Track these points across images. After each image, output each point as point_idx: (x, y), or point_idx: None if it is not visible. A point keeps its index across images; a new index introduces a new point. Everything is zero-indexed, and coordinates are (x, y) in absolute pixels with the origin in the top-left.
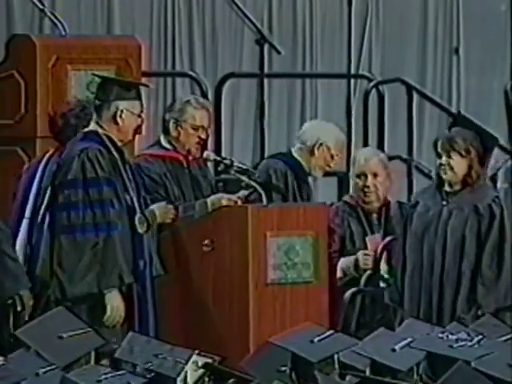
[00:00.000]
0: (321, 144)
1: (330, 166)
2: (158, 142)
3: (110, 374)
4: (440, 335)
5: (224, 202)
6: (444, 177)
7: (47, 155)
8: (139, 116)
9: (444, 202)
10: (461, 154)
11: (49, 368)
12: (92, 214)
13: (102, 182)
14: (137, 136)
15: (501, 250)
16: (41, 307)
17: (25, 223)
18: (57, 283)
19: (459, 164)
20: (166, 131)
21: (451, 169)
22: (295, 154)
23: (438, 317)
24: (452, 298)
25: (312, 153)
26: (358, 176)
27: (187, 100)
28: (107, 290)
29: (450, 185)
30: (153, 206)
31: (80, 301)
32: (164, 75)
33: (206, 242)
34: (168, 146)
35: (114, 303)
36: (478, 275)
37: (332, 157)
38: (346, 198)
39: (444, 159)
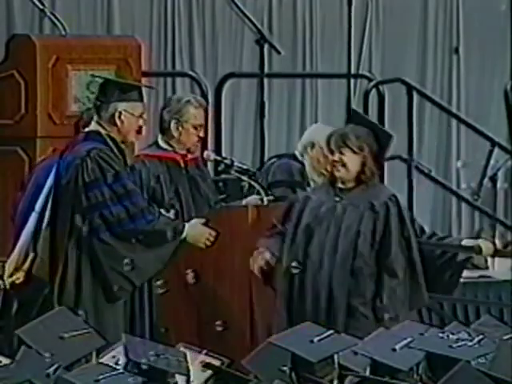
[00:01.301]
0: (313, 144)
1: (327, 171)
2: (156, 143)
3: (109, 374)
4: (440, 335)
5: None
6: (337, 174)
7: (58, 153)
8: (140, 117)
9: (337, 198)
10: (353, 151)
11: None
12: (124, 209)
13: (123, 177)
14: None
15: (402, 246)
16: (38, 306)
17: (33, 217)
18: (122, 279)
19: (352, 161)
20: (164, 131)
21: (343, 165)
22: (300, 158)
23: (328, 315)
24: (344, 296)
25: (307, 154)
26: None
27: (187, 100)
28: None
29: (343, 182)
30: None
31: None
32: (164, 75)
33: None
34: (166, 146)
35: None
36: (374, 275)
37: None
38: None
39: (336, 156)
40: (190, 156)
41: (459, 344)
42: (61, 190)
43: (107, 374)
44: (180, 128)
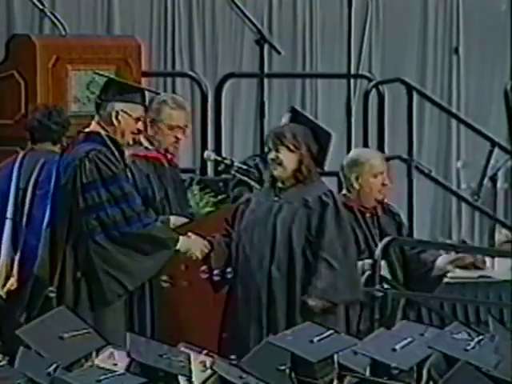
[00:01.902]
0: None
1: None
2: (139, 142)
3: (110, 375)
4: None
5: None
6: (274, 172)
7: (20, 156)
8: (139, 120)
9: (276, 198)
10: (289, 149)
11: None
12: (120, 211)
13: (120, 179)
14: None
15: (338, 241)
16: (38, 307)
17: (8, 224)
18: (115, 283)
19: (288, 159)
20: (146, 130)
21: (280, 164)
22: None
23: (269, 312)
24: (284, 292)
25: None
26: (375, 176)
27: (164, 100)
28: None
29: (282, 181)
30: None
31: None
32: (164, 75)
33: (164, 278)
34: (148, 145)
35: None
36: (311, 269)
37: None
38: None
39: (273, 154)
40: (169, 156)
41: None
42: (59, 191)
43: (108, 375)
44: (155, 127)
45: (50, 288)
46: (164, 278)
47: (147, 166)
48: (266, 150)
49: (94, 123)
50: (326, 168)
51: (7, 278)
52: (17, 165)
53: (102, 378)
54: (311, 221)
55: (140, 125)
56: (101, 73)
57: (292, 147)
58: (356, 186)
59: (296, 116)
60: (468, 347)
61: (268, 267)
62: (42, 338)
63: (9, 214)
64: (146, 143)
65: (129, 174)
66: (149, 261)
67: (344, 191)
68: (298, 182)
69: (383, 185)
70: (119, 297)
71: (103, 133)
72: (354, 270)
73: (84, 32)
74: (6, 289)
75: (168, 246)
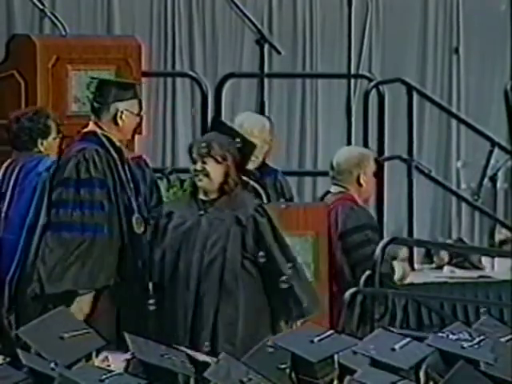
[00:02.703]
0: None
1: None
2: None
3: (110, 374)
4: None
5: None
6: (199, 184)
7: (5, 164)
8: (138, 115)
9: (201, 212)
10: (216, 161)
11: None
12: (80, 214)
13: (94, 183)
14: (136, 136)
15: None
16: (24, 303)
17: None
18: (37, 279)
19: (215, 171)
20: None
21: (206, 175)
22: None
23: (194, 332)
24: (212, 312)
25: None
26: (374, 174)
27: None
28: (84, 290)
29: (206, 193)
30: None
31: (57, 299)
32: (164, 75)
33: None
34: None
35: (82, 307)
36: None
37: None
38: (346, 197)
39: (199, 165)
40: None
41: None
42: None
43: (109, 375)
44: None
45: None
46: (151, 301)
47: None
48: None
49: (91, 123)
50: (327, 168)
51: None
52: (1, 171)
53: (104, 377)
54: (246, 239)
55: (139, 120)
56: (95, 76)
57: (219, 159)
58: (363, 182)
59: (219, 126)
60: (465, 345)
61: (196, 287)
62: (43, 338)
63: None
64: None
65: (128, 173)
66: (84, 271)
67: (337, 188)
68: (223, 194)
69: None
70: (35, 297)
71: (99, 132)
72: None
73: (84, 32)
74: None
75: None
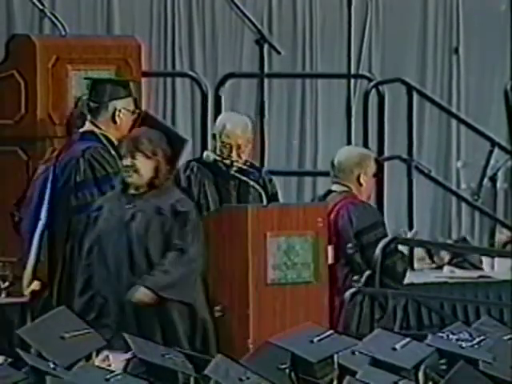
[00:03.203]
0: (214, 133)
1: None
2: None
3: (116, 373)
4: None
5: None
6: (129, 180)
7: (54, 155)
8: (133, 113)
9: (129, 205)
10: (146, 156)
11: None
12: None
13: (112, 178)
14: None
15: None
16: (39, 309)
17: (40, 225)
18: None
19: (145, 166)
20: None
21: (136, 171)
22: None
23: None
24: None
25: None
26: (373, 174)
27: None
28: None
29: (136, 188)
30: None
31: None
32: (164, 75)
33: (218, 308)
34: None
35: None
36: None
37: (225, 146)
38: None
39: (129, 161)
40: None
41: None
42: (57, 193)
43: (114, 374)
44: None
45: (217, 308)
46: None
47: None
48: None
49: (88, 123)
50: (327, 168)
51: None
52: (52, 165)
53: (109, 376)
54: (165, 228)
55: (135, 117)
56: (90, 76)
57: (149, 154)
58: (363, 182)
59: (148, 120)
60: (465, 345)
61: (127, 279)
62: (43, 338)
63: (42, 215)
64: None
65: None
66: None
67: (340, 187)
68: (152, 188)
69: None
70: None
71: (97, 131)
72: (192, 273)
73: (84, 32)
74: (29, 289)
75: None
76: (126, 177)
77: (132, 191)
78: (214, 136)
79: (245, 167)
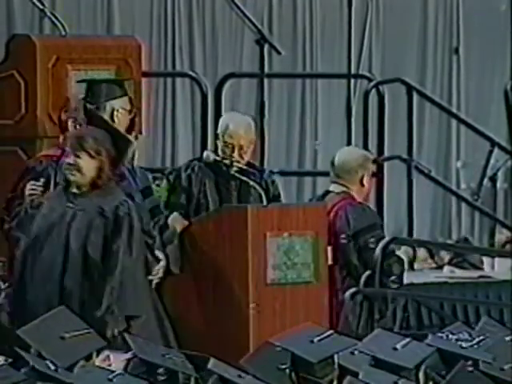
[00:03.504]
0: (216, 134)
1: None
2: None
3: (115, 374)
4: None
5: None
6: (71, 178)
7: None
8: (130, 112)
9: (70, 204)
10: (90, 155)
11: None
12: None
13: (124, 174)
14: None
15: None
16: None
17: None
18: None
19: (88, 165)
20: (63, 131)
21: (79, 170)
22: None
23: None
24: (78, 305)
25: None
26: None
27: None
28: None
29: (78, 187)
30: (170, 221)
31: None
32: (164, 75)
33: (252, 305)
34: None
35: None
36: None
37: (227, 146)
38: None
39: (72, 159)
40: None
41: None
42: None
43: (115, 374)
44: (78, 127)
45: (251, 305)
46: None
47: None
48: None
49: (85, 125)
50: (327, 168)
51: None
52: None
53: (111, 376)
54: (107, 230)
55: (131, 117)
56: (81, 78)
57: (93, 153)
58: (365, 182)
59: (93, 119)
60: (464, 344)
61: (60, 278)
62: (43, 338)
63: None
64: (62, 143)
65: (132, 173)
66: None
67: (341, 188)
68: (95, 188)
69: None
70: None
71: None
72: (139, 284)
73: (84, 32)
74: None
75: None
76: (68, 175)
77: (74, 190)
78: (217, 136)
79: (246, 167)
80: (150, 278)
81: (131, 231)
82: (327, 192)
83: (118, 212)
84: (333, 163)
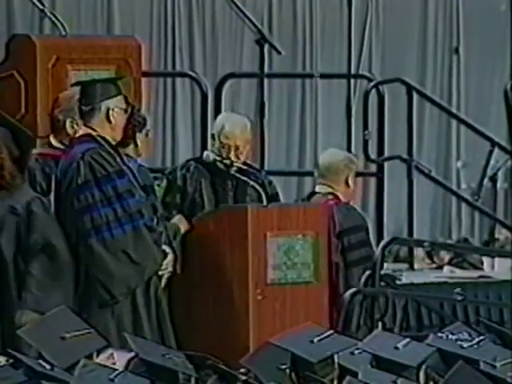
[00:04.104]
0: (212, 134)
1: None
2: (49, 143)
3: (117, 373)
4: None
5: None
6: None
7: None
8: (126, 111)
9: None
10: None
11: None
12: (113, 211)
13: (113, 178)
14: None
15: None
16: None
17: None
18: (100, 286)
19: None
20: (58, 131)
21: None
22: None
23: None
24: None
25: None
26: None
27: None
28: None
29: None
30: (176, 221)
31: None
32: (164, 75)
33: (258, 291)
34: (59, 145)
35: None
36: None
37: (223, 146)
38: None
39: None
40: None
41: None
42: (61, 198)
43: (117, 373)
44: (75, 126)
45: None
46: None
47: (54, 166)
48: None
49: (82, 128)
50: None
51: None
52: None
53: (113, 376)
54: (20, 228)
55: (127, 116)
56: (76, 82)
57: None
58: (350, 183)
59: None
60: (465, 345)
61: None
62: (44, 338)
63: None
64: (57, 144)
65: (130, 173)
66: (135, 270)
67: (327, 188)
68: (1, 189)
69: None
70: (106, 303)
71: (94, 133)
72: (64, 278)
73: (84, 32)
74: None
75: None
76: None
77: None
78: (213, 136)
79: (245, 167)
80: (160, 273)
81: (40, 227)
82: (313, 193)
83: (30, 208)
84: (317, 165)
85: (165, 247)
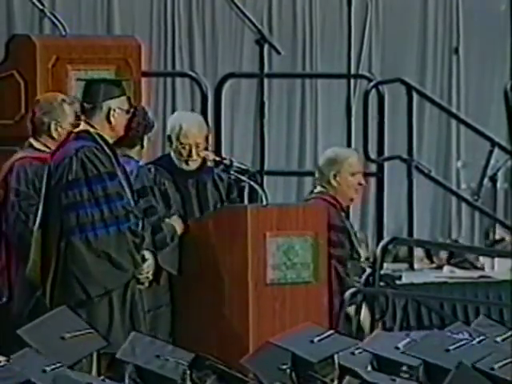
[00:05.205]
0: (169, 135)
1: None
2: (30, 145)
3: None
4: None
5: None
6: None
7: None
8: (128, 112)
9: None
10: None
11: (54, 366)
12: (99, 212)
13: (104, 178)
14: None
15: None
16: (29, 309)
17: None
18: (77, 284)
19: None
20: (40, 133)
21: None
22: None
23: None
24: None
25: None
26: (353, 174)
27: (63, 99)
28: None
29: None
30: (171, 222)
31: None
32: (164, 75)
33: None
34: (42, 147)
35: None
36: None
37: (184, 147)
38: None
39: None
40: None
41: (457, 345)
42: (51, 191)
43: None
44: (59, 129)
45: None
46: None
47: (41, 168)
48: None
49: (82, 123)
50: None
51: None
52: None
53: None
54: None
55: (128, 117)
56: (82, 77)
57: None
58: (334, 183)
59: None
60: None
61: None
62: (43, 338)
63: (38, 214)
64: (40, 146)
65: (123, 172)
66: (114, 269)
67: (319, 188)
68: None
69: (359, 184)
70: (82, 303)
71: (92, 131)
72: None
73: (84, 32)
74: None
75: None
76: None
77: None
78: (169, 137)
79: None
80: (138, 277)
81: None
82: (312, 192)
83: None
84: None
85: (145, 252)
